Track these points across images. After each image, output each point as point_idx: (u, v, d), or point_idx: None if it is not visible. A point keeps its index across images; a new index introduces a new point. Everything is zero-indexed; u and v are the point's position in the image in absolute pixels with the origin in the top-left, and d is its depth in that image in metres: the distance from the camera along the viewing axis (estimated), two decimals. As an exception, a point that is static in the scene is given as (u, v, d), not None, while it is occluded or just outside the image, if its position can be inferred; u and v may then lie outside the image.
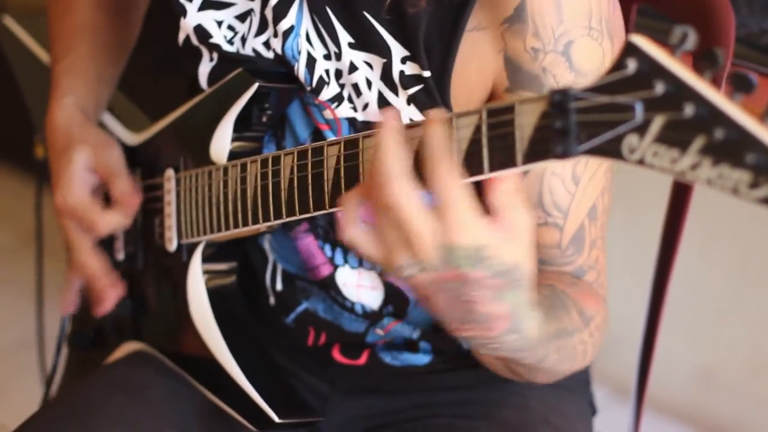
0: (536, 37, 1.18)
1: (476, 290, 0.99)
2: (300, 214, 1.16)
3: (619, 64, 0.84)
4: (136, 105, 1.65)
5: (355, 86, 1.27)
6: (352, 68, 1.26)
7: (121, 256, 1.53)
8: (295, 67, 1.29)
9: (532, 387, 1.44)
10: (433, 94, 1.23)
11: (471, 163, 0.96)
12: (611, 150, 0.85)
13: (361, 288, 1.39)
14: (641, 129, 0.83)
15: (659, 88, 0.82)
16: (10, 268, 3.05)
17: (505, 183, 0.96)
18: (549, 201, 1.23)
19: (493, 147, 0.94)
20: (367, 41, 1.25)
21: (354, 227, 1.02)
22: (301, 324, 1.44)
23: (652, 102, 0.82)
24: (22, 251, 3.05)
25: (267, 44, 1.32)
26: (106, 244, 1.54)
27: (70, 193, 1.44)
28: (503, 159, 0.93)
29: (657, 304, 1.60)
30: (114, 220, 1.44)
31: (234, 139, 1.32)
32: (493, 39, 1.21)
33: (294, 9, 1.27)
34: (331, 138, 1.30)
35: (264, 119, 1.32)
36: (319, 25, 1.27)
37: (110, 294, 1.48)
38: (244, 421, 1.33)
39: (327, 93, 1.28)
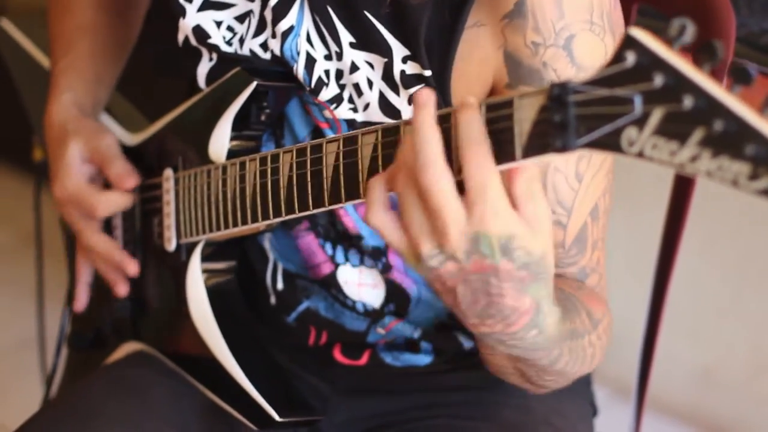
0: (536, 31, 1.18)
1: (502, 282, 0.98)
2: (299, 211, 1.16)
3: (617, 57, 0.84)
4: (134, 105, 1.65)
5: (356, 86, 1.27)
6: (353, 68, 1.26)
7: (120, 255, 1.53)
8: (294, 68, 1.29)
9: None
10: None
11: None
12: (610, 143, 0.84)
13: (362, 286, 1.38)
14: (640, 121, 0.82)
15: (658, 80, 0.81)
16: (9, 269, 3.05)
17: (526, 172, 0.95)
18: (552, 198, 1.22)
19: (492, 141, 0.94)
20: (368, 41, 1.25)
21: (380, 212, 1.00)
22: (302, 323, 1.44)
23: (651, 94, 0.82)
24: (22, 251, 3.05)
25: (264, 45, 1.32)
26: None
27: (68, 180, 1.46)
28: (502, 153, 0.93)
29: (657, 304, 1.60)
30: (113, 200, 1.45)
31: (232, 138, 1.32)
32: (492, 35, 1.21)
33: (295, 9, 1.27)
34: (332, 135, 1.30)
35: (262, 118, 1.32)
36: (321, 25, 1.27)
37: (126, 269, 1.48)
38: (245, 420, 1.33)
39: (326, 94, 1.28)
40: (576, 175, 1.22)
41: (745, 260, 2.46)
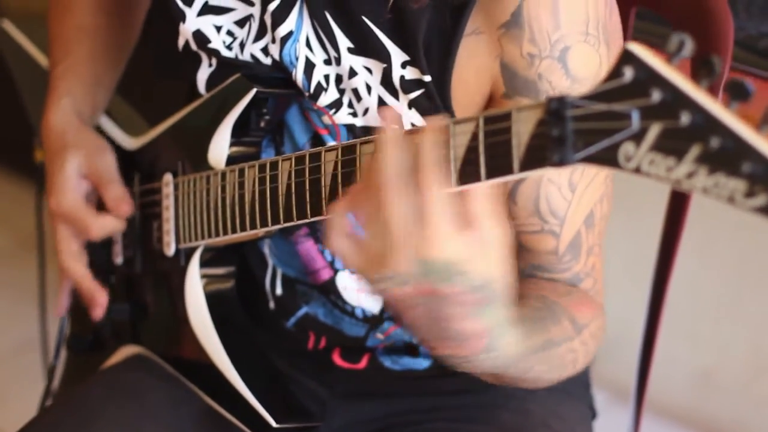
0: (532, 42, 1.18)
1: (452, 306, 0.99)
2: (297, 219, 1.16)
3: (615, 72, 0.84)
4: (134, 108, 1.65)
5: (355, 91, 1.27)
6: (352, 73, 1.26)
7: (119, 260, 1.53)
8: (293, 73, 1.29)
9: (531, 391, 1.43)
10: (434, 98, 1.23)
11: (468, 170, 0.96)
12: (607, 158, 0.84)
13: (361, 292, 1.38)
14: (637, 137, 0.82)
15: (656, 96, 0.81)
16: (10, 272, 3.05)
17: (477, 194, 0.96)
18: (545, 208, 1.23)
19: (489, 154, 0.94)
20: (366, 46, 1.25)
21: (339, 238, 1.01)
22: (301, 328, 1.44)
23: (648, 110, 0.82)
24: (22, 255, 3.05)
25: (265, 50, 1.32)
26: (104, 247, 1.55)
27: (64, 197, 1.45)
28: (500, 166, 0.93)
29: (656, 306, 1.60)
30: (108, 224, 1.45)
31: (232, 144, 1.32)
32: (489, 44, 1.21)
33: (294, 14, 1.27)
34: (331, 142, 1.31)
35: (262, 124, 1.32)
36: (319, 30, 1.27)
37: (95, 301, 1.49)
38: (243, 426, 1.33)
39: (325, 99, 1.28)
40: (569, 185, 1.22)
41: (744, 262, 2.46)
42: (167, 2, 1.35)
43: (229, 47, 1.34)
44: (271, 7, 1.27)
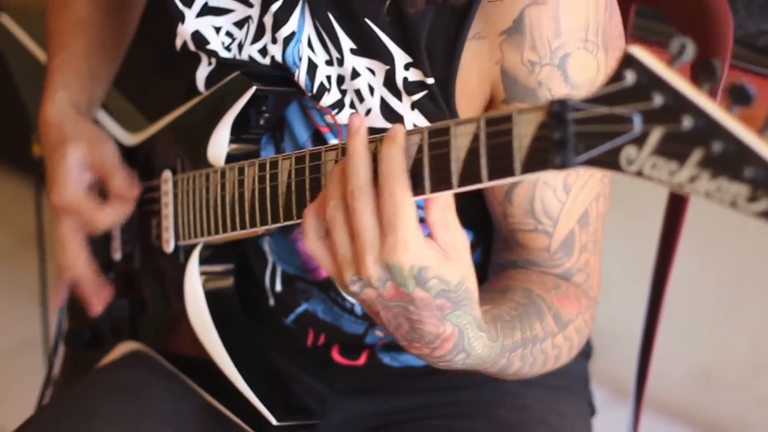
0: (533, 49, 1.19)
1: (420, 310, 1.03)
2: (297, 218, 1.16)
3: (617, 75, 0.84)
4: (133, 105, 1.65)
5: (358, 92, 1.27)
6: (355, 74, 1.26)
7: (118, 256, 1.53)
8: (296, 74, 1.28)
9: (530, 387, 1.44)
10: (437, 100, 1.23)
11: (468, 171, 0.96)
12: (609, 161, 0.84)
13: None
14: (639, 141, 0.82)
15: (657, 100, 0.81)
16: (9, 270, 3.05)
17: (440, 201, 0.99)
18: (539, 209, 1.24)
19: (491, 156, 0.94)
20: (369, 48, 1.25)
21: (314, 239, 1.05)
22: (301, 325, 1.44)
23: (650, 114, 0.82)
24: (22, 253, 3.05)
25: (263, 51, 1.31)
26: (103, 244, 1.55)
27: (66, 190, 1.45)
28: (501, 168, 0.93)
29: (656, 304, 1.60)
30: (113, 215, 1.45)
31: (231, 142, 1.32)
32: (491, 49, 1.21)
33: (296, 15, 1.27)
34: (332, 140, 1.31)
35: (261, 122, 1.32)
36: (321, 31, 1.27)
37: (98, 297, 1.49)
38: (242, 423, 1.33)
39: (328, 99, 1.28)
40: (564, 186, 1.23)
41: (744, 261, 2.46)
42: (166, 3, 1.35)
43: (227, 48, 1.34)
44: (274, 8, 1.27)
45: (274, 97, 1.32)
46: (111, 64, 1.59)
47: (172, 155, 1.43)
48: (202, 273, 1.37)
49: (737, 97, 0.80)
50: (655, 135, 0.81)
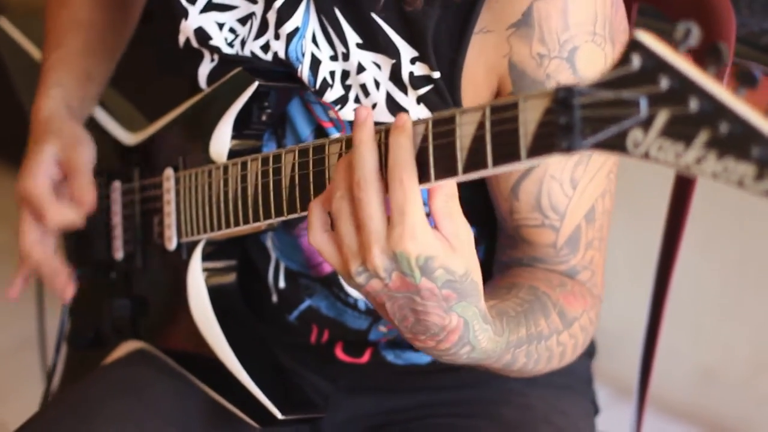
0: (542, 42, 1.19)
1: (425, 300, 1.03)
2: (301, 211, 1.16)
3: (623, 60, 0.84)
4: (134, 105, 1.65)
5: (363, 87, 1.27)
6: (360, 69, 1.26)
7: (120, 255, 1.53)
8: (299, 69, 1.29)
9: (534, 386, 1.45)
10: (443, 94, 1.24)
11: (474, 159, 0.96)
12: (616, 144, 0.84)
13: None
14: (646, 124, 0.82)
15: (664, 83, 0.81)
16: (9, 268, 3.04)
17: (443, 191, 1.00)
18: (546, 204, 1.24)
19: (496, 143, 0.94)
20: (375, 42, 1.25)
21: (318, 233, 1.06)
22: (304, 321, 1.44)
23: (656, 97, 0.82)
24: (21, 251, 3.04)
25: (265, 47, 1.31)
26: (105, 244, 1.55)
27: (30, 181, 1.44)
28: (507, 154, 0.94)
29: (659, 303, 1.60)
30: (65, 215, 1.43)
31: (233, 138, 1.32)
32: (498, 42, 1.21)
33: (300, 10, 1.27)
34: (335, 135, 1.31)
35: (264, 118, 1.32)
36: (327, 26, 1.27)
37: (60, 284, 1.48)
38: (247, 418, 1.33)
39: (331, 95, 1.28)
40: (571, 181, 1.23)
41: (747, 259, 2.47)
42: (170, 0, 1.35)
43: (230, 44, 1.34)
44: (278, 3, 1.27)
45: (277, 92, 1.32)
46: (108, 64, 1.60)
47: (173, 153, 1.43)
48: (205, 269, 1.37)
49: (744, 80, 0.80)
50: (662, 117, 0.82)
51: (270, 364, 1.38)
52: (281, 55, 1.29)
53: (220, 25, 1.34)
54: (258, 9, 1.31)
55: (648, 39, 0.83)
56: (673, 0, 1.49)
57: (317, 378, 1.48)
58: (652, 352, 1.61)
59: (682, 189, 1.53)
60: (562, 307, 1.23)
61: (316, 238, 1.06)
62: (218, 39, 1.34)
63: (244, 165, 1.25)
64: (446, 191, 1.00)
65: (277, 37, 1.29)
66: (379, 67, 1.25)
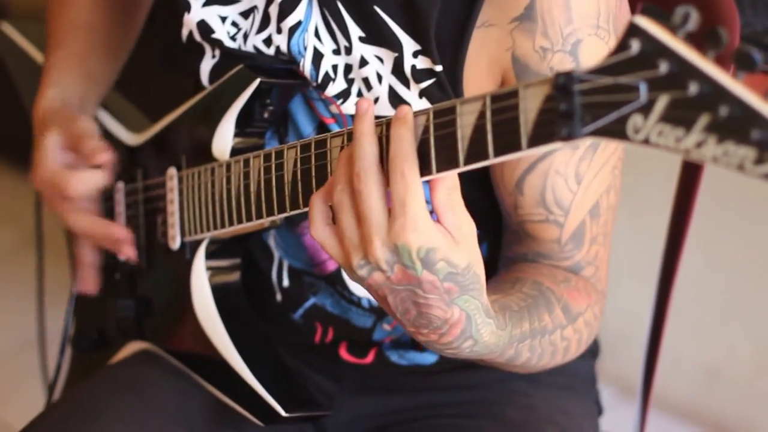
0: (545, 36, 1.19)
1: (427, 293, 1.03)
2: (303, 207, 1.16)
3: (622, 45, 0.84)
4: (136, 106, 1.66)
5: (366, 80, 1.27)
6: (363, 62, 1.26)
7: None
8: (301, 63, 1.29)
9: (537, 386, 1.44)
10: (445, 87, 1.24)
11: (475, 149, 0.96)
12: (616, 130, 0.85)
13: None
14: (646, 109, 0.82)
15: (663, 67, 0.82)
16: (11, 268, 3.05)
17: (445, 183, 1.00)
18: (551, 199, 1.24)
19: (497, 132, 0.94)
20: (378, 35, 1.25)
21: (320, 226, 1.06)
22: (309, 320, 1.44)
23: (656, 81, 0.82)
24: (23, 251, 3.05)
25: (268, 41, 1.32)
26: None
27: (42, 167, 1.45)
28: (508, 143, 0.94)
29: (663, 303, 1.60)
30: (86, 178, 1.43)
31: (236, 135, 1.32)
32: (500, 36, 1.21)
33: (303, 4, 1.27)
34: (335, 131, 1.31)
35: (266, 115, 1.32)
36: (330, 20, 1.27)
37: (118, 237, 1.46)
38: (251, 417, 1.33)
39: (333, 89, 1.28)
40: (576, 176, 1.23)
41: (751, 259, 2.47)
42: None
43: (233, 38, 1.34)
44: None
45: (279, 89, 1.32)
46: (111, 65, 1.60)
47: (176, 152, 1.43)
48: (209, 268, 1.37)
49: (742, 64, 0.80)
50: (662, 102, 0.82)
51: (274, 363, 1.38)
52: (283, 48, 1.29)
53: (223, 19, 1.34)
54: (260, 2, 1.31)
55: (647, 23, 0.83)
56: (676, 0, 1.48)
57: (321, 378, 1.48)
58: (656, 352, 1.61)
59: (687, 186, 1.52)
60: (567, 302, 1.23)
61: (318, 231, 1.06)
62: (220, 32, 1.34)
63: (246, 162, 1.25)
64: (448, 183, 1.00)
65: (279, 31, 1.29)
66: (381, 60, 1.26)
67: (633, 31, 0.84)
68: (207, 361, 1.37)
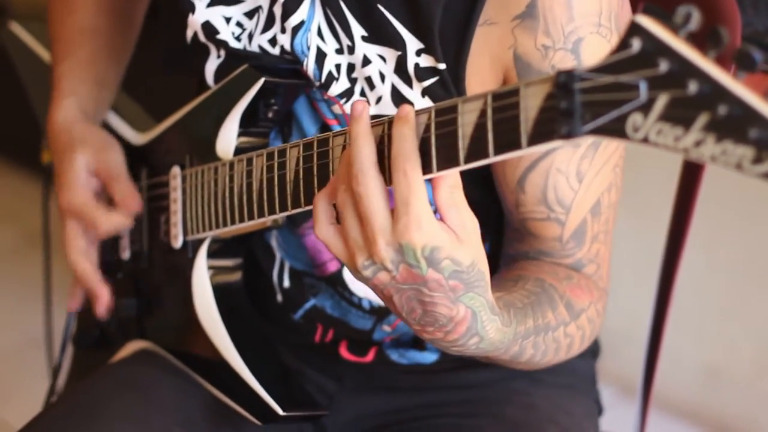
0: (546, 34, 1.19)
1: (432, 292, 1.03)
2: (305, 206, 1.17)
3: (623, 44, 0.85)
4: (141, 105, 1.66)
5: (368, 80, 1.27)
6: (366, 61, 1.27)
7: (126, 254, 1.54)
8: (304, 63, 1.29)
9: (538, 386, 1.44)
10: (448, 86, 1.24)
11: (476, 147, 0.97)
12: (616, 129, 0.85)
13: None
14: (645, 107, 0.83)
15: (663, 66, 0.82)
16: (17, 268, 3.05)
17: (448, 181, 1.00)
18: (552, 197, 1.24)
19: (498, 131, 0.95)
20: (381, 34, 1.26)
21: (324, 226, 1.06)
22: (309, 321, 1.44)
23: (656, 80, 0.82)
24: (29, 250, 3.06)
25: (273, 41, 1.32)
26: (111, 243, 1.55)
27: (74, 194, 1.46)
28: (508, 142, 0.94)
29: (663, 303, 1.60)
30: (116, 221, 1.46)
31: (240, 135, 1.32)
32: (502, 34, 1.22)
33: (306, 3, 1.28)
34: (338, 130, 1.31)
35: (270, 115, 1.33)
36: (332, 19, 1.28)
37: (97, 297, 1.50)
38: (249, 416, 1.33)
39: (336, 88, 1.29)
40: (577, 174, 1.23)
41: (751, 259, 2.47)
42: None
43: (237, 38, 1.34)
44: None
45: (283, 89, 1.32)
46: (116, 70, 1.61)
47: (180, 151, 1.44)
48: (210, 267, 1.38)
49: (743, 64, 0.80)
50: (661, 101, 0.82)
51: (272, 362, 1.38)
52: (287, 48, 1.30)
53: (227, 19, 1.34)
54: (264, 2, 1.31)
55: (648, 22, 0.83)
56: (678, 0, 1.49)
57: (322, 377, 1.48)
58: (656, 352, 1.61)
59: (688, 186, 1.53)
60: (569, 299, 1.23)
61: (323, 231, 1.06)
62: (225, 33, 1.34)
63: (249, 161, 1.26)
64: (450, 182, 1.00)
65: (283, 30, 1.29)
66: (384, 59, 1.26)
67: (634, 30, 0.84)
68: (207, 360, 1.37)
